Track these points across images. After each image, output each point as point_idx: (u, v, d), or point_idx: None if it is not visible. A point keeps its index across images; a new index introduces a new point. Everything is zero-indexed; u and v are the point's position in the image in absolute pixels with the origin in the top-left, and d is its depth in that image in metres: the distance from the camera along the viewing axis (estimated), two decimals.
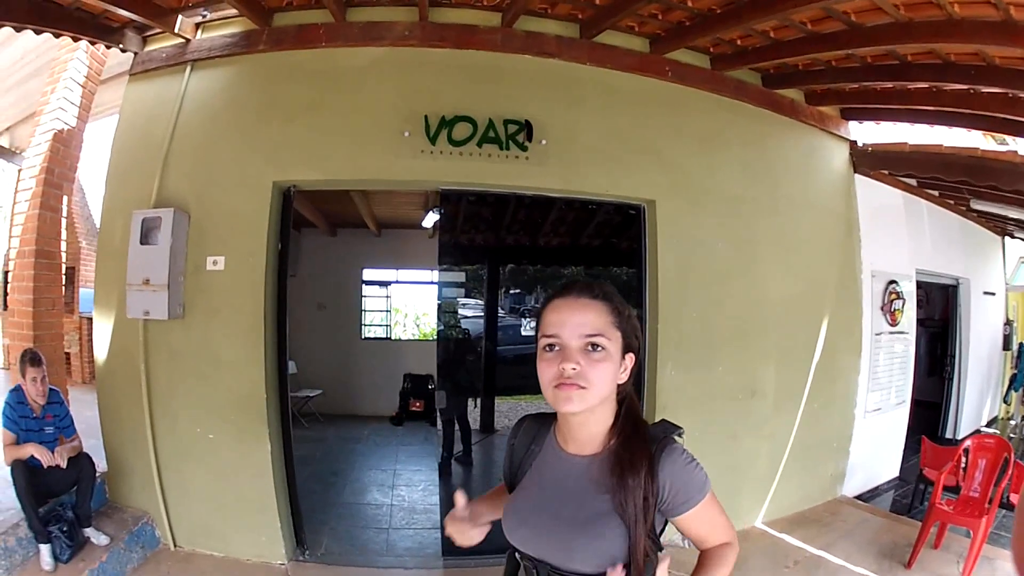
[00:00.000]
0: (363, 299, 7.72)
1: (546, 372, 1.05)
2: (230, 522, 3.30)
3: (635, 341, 1.12)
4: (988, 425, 7.47)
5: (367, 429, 6.60)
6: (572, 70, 3.36)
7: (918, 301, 5.42)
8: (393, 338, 8.10)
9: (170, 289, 3.24)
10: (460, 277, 4.96)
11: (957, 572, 3.41)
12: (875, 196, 4.72)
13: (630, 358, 1.10)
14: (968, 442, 3.98)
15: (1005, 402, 7.82)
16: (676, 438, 1.10)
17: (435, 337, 7.92)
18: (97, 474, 3.29)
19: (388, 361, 7.36)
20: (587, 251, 4.29)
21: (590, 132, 3.35)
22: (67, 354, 6.18)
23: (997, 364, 7.70)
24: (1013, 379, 7.62)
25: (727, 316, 3.61)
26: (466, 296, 5.12)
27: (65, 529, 2.98)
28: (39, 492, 2.97)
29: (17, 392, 3.10)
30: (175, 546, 3.41)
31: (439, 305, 4.45)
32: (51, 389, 3.22)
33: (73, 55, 4.34)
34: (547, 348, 1.06)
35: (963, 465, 3.88)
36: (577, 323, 1.05)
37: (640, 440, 1.08)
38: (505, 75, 3.28)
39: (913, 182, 5.26)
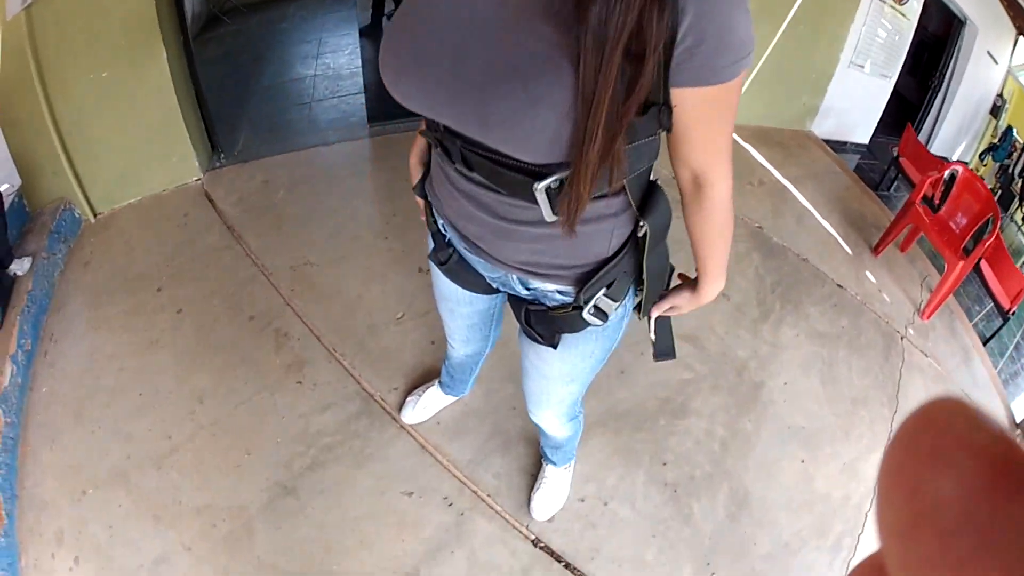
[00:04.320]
0: None
1: None
2: (140, 160, 2.94)
3: None
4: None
5: (292, 6, 5.65)
6: None
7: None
8: None
9: None
10: None
11: (919, 295, 3.17)
12: None
13: None
14: (958, 168, 3.66)
15: (980, 160, 7.68)
16: None
17: None
18: (9, 196, 2.78)
19: None
20: None
21: None
22: None
23: (981, 120, 7.45)
24: (991, 148, 7.40)
25: None
26: None
27: None
28: None
29: None
30: (95, 216, 3.04)
31: None
32: None
33: None
34: None
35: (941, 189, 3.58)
36: None
37: None
38: None
39: None
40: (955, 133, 6.65)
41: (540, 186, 0.68)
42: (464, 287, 1.06)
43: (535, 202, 0.70)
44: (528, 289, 0.93)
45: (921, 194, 3.47)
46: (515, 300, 1.01)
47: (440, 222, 0.93)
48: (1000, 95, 7.86)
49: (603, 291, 0.87)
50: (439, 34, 0.66)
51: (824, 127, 4.34)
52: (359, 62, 3.85)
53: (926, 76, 6.35)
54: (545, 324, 0.95)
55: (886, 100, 5.00)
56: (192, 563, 1.68)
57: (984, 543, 0.14)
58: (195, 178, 2.94)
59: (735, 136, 3.54)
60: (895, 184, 4.32)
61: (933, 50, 6.61)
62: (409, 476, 1.84)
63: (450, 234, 0.93)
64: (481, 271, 0.96)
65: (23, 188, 3.14)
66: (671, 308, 0.97)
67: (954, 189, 3.60)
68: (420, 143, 0.96)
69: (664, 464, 1.96)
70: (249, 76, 3.92)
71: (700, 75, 0.63)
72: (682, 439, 2.03)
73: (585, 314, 0.90)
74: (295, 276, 2.37)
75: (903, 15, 4.70)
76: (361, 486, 1.82)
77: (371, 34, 4.00)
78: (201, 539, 1.72)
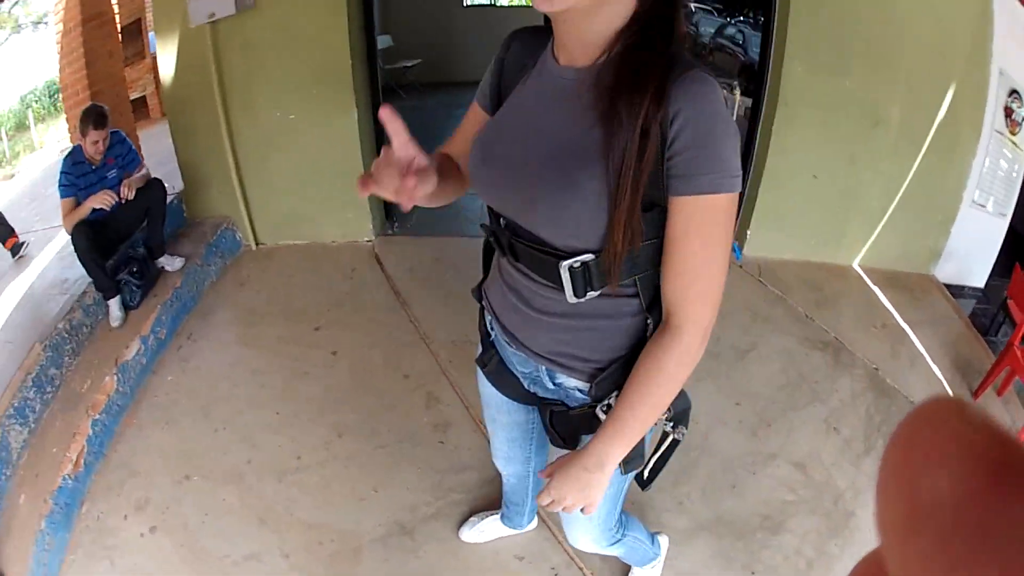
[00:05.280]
0: None
1: None
2: (314, 206, 3.18)
3: None
4: None
5: (469, 94, 6.38)
6: None
7: None
8: (496, 4, 7.48)
9: None
10: None
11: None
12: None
13: None
14: None
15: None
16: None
17: None
18: (169, 197, 3.09)
19: (491, 27, 6.81)
20: None
21: None
22: (142, 97, 6.05)
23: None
24: None
25: (860, 29, 3.23)
26: None
27: (136, 270, 2.75)
28: (110, 244, 2.76)
29: (74, 153, 2.81)
30: (257, 245, 3.30)
31: None
32: (111, 132, 2.89)
33: None
34: None
35: None
36: None
37: (656, 52, 0.74)
38: None
39: None
40: None
41: (565, 264, 0.81)
42: (503, 391, 1.13)
43: (561, 286, 0.83)
44: (554, 384, 1.00)
45: (1020, 335, 3.46)
46: (543, 407, 1.07)
47: (488, 319, 1.05)
48: None
49: (615, 393, 0.91)
50: (507, 141, 0.86)
51: (945, 271, 4.36)
52: None
53: None
54: (565, 424, 1.03)
55: (1001, 240, 4.93)
56: (285, 569, 1.71)
57: (982, 543, 0.14)
58: (366, 239, 3.15)
59: (864, 275, 3.66)
60: (1002, 328, 4.19)
61: None
62: (525, 542, 1.89)
63: (495, 329, 1.04)
64: (517, 367, 1.04)
65: (183, 193, 3.47)
66: (552, 484, 0.94)
67: None
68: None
69: (752, 573, 2.08)
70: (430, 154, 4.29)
71: (682, 182, 0.73)
72: (773, 553, 2.16)
73: (598, 411, 0.95)
74: (454, 349, 2.50)
75: (1017, 145, 4.70)
76: (477, 542, 1.90)
77: None
78: (303, 550, 1.76)
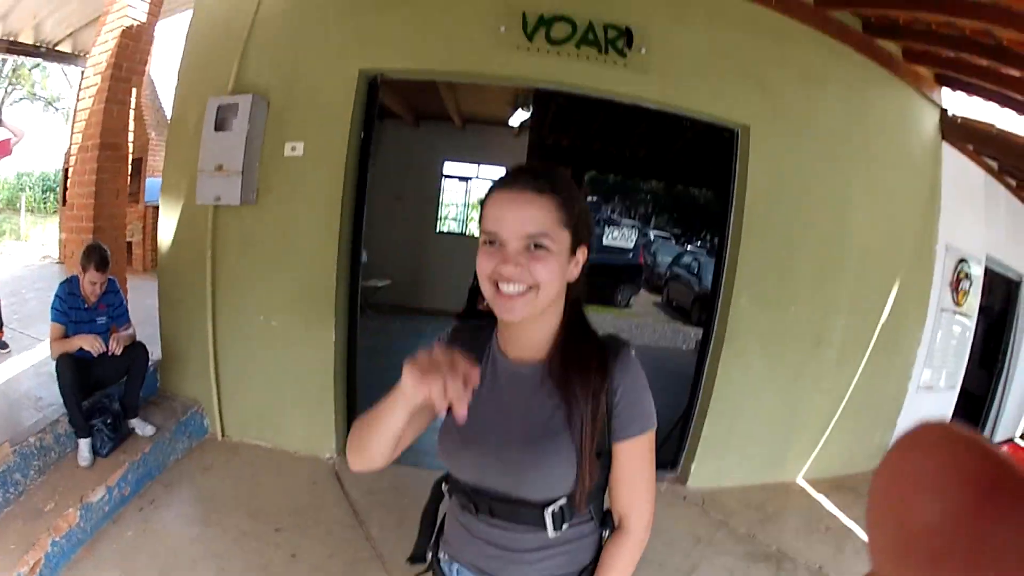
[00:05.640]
0: (441, 193, 7.55)
1: (484, 264, 0.94)
2: (283, 413, 3.30)
3: (586, 233, 0.99)
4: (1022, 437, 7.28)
5: (431, 325, 6.39)
6: None
7: (981, 288, 5.22)
8: (468, 234, 7.83)
9: (244, 175, 3.19)
10: None
11: None
12: (958, 170, 4.53)
13: (582, 252, 0.98)
14: (1004, 448, 3.83)
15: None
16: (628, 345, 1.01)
17: None
18: (150, 363, 3.22)
19: (461, 257, 7.12)
20: (670, 166, 4.21)
21: (691, 48, 3.21)
22: (128, 243, 6.23)
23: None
24: None
25: (807, 256, 3.49)
26: None
27: (109, 421, 2.90)
28: (87, 384, 2.90)
29: (71, 283, 2.98)
30: (223, 435, 3.40)
31: None
32: (108, 278, 3.09)
33: None
34: (487, 242, 0.95)
35: None
36: (518, 220, 0.92)
37: (589, 343, 1.00)
38: None
39: (995, 165, 5.06)
40: (1020, 405, 6.59)
41: (548, 510, 0.98)
42: None
43: (543, 527, 0.98)
44: None
45: None
46: None
47: (455, 567, 1.15)
48: None
49: None
50: (482, 428, 1.00)
51: None
52: None
53: (992, 363, 6.48)
54: None
55: (952, 411, 5.15)
56: None
57: (972, 566, 0.14)
58: (327, 455, 3.26)
59: (807, 487, 3.81)
60: None
61: (998, 330, 6.80)
62: None
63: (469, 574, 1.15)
64: None
65: (160, 364, 3.58)
66: None
67: None
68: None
69: None
70: (389, 383, 4.47)
71: (626, 431, 0.97)
72: None
73: None
74: (408, 572, 2.70)
75: (965, 315, 4.96)
76: None
77: None
78: None
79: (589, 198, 4.71)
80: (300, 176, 3.19)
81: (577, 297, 1.03)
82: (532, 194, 0.94)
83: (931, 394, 4.72)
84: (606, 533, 1.07)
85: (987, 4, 2.93)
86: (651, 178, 4.79)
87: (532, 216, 0.92)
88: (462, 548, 1.13)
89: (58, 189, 8.99)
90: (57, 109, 14.63)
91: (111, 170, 4.64)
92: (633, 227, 5.00)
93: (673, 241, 5.24)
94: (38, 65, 12.62)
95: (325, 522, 2.85)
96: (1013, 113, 4.29)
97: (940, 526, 0.15)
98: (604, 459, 1.00)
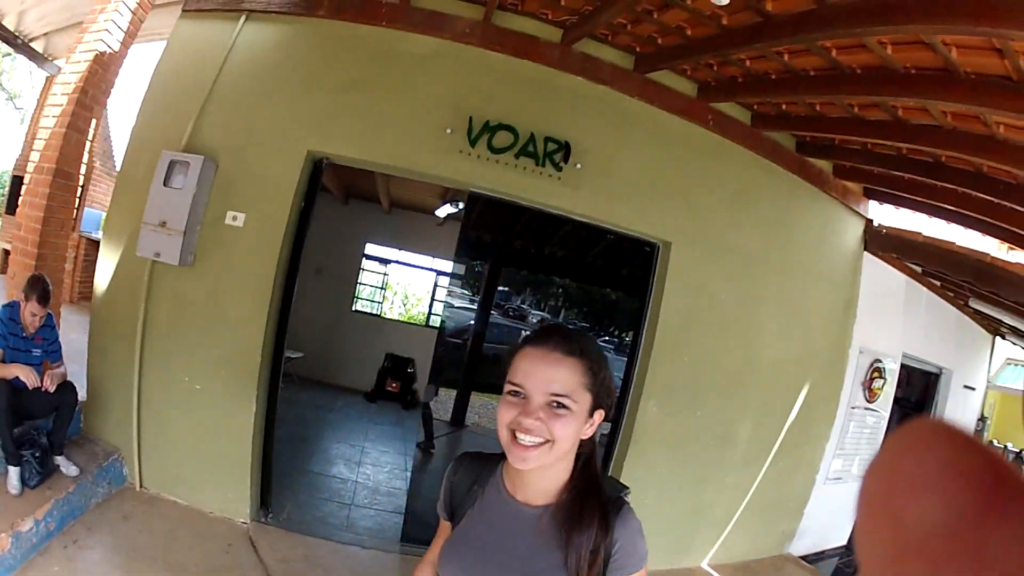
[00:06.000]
0: (361, 272, 7.73)
1: (505, 413, 1.01)
2: (200, 473, 3.35)
3: (607, 400, 1.07)
4: None
5: (341, 400, 6.65)
6: (620, 101, 3.41)
7: (898, 380, 5.55)
8: (382, 315, 8.12)
9: (185, 236, 3.24)
10: (470, 274, 4.99)
11: None
12: (878, 275, 4.83)
13: (599, 415, 1.06)
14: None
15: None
16: (627, 500, 1.12)
17: (425, 323, 7.99)
18: (78, 403, 3.24)
19: (373, 337, 7.39)
20: (589, 270, 4.36)
21: (625, 165, 3.41)
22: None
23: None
24: None
25: (718, 366, 3.70)
26: (465, 292, 5.16)
27: (37, 455, 2.95)
28: (17, 413, 2.93)
29: (12, 308, 3.04)
30: (141, 486, 3.42)
31: (446, 300, 4.45)
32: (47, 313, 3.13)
33: None
34: (511, 393, 1.02)
35: None
36: (545, 378, 1.00)
37: (595, 498, 1.07)
38: (555, 93, 3.33)
39: (919, 269, 5.38)
40: None
41: None
42: None
43: None
44: None
45: None
46: None
47: None
48: (981, 418, 8.46)
49: None
50: (483, 561, 1.08)
51: (800, 545, 4.72)
52: (398, 483, 4.46)
53: None
54: None
55: None
56: None
57: (976, 567, 0.13)
58: (241, 520, 3.31)
59: (712, 571, 3.96)
60: None
61: (914, 415, 7.12)
62: None
63: None
64: None
65: (84, 405, 3.53)
66: None
67: None
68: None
69: None
70: (297, 453, 4.50)
71: (618, 572, 1.04)
72: None
73: None
74: None
75: (875, 410, 5.24)
76: None
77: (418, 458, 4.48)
78: None
79: (499, 290, 4.88)
80: (238, 245, 3.26)
81: (589, 454, 1.10)
82: (562, 355, 1.01)
83: (841, 484, 4.99)
84: None
85: (930, 127, 3.09)
86: (568, 277, 4.90)
87: (559, 376, 1.00)
88: None
89: (4, 191, 8.70)
90: (16, 107, 14.12)
91: (61, 199, 4.59)
92: (542, 320, 5.09)
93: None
94: (9, 54, 12.26)
95: None
96: (942, 221, 4.63)
97: (940, 529, 0.14)
98: None
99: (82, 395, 3.58)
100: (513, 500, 1.10)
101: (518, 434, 0.99)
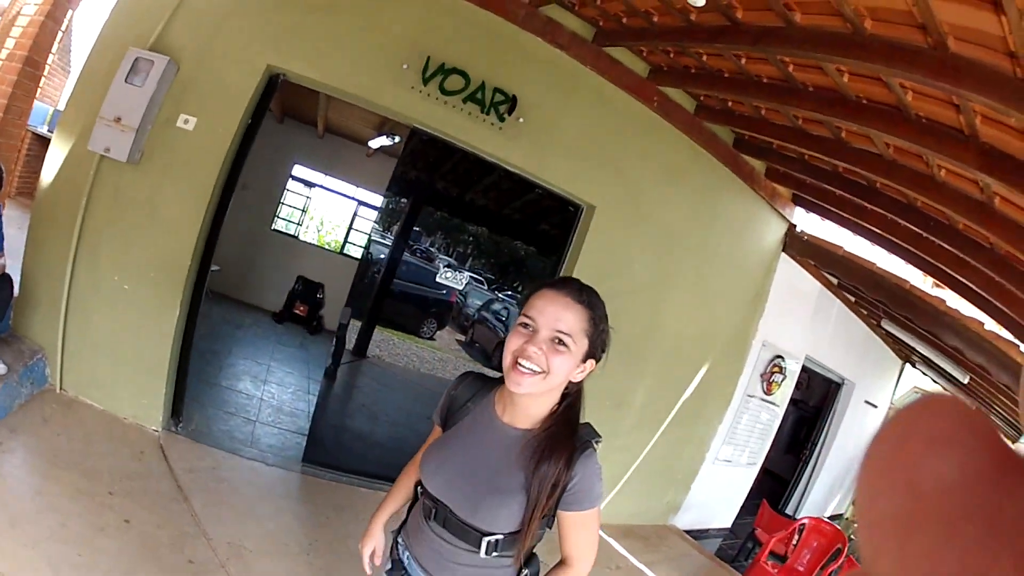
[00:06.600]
0: (285, 192, 7.69)
1: (512, 342, 1.17)
2: (119, 378, 3.40)
3: (599, 352, 1.25)
4: (831, 519, 8.26)
5: (249, 318, 6.67)
6: (572, 67, 3.59)
7: (798, 383, 5.96)
8: (300, 238, 8.02)
9: (137, 133, 3.25)
10: (392, 208, 5.04)
11: None
12: (793, 278, 5.18)
13: (591, 363, 1.23)
14: (806, 520, 4.46)
15: (854, 504, 8.59)
16: (595, 445, 1.26)
17: (340, 251, 8.03)
18: (12, 299, 3.23)
19: (287, 259, 7.40)
20: (507, 222, 4.49)
21: (566, 127, 3.62)
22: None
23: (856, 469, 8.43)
24: None
25: (621, 330, 3.91)
26: (384, 225, 5.26)
27: None
28: None
29: None
30: (60, 388, 3.42)
31: (370, 231, 4.37)
32: None
33: None
34: (522, 325, 1.18)
35: (795, 541, 4.31)
36: (555, 316, 1.16)
37: (568, 436, 1.21)
38: (512, 48, 3.48)
39: (835, 281, 5.70)
40: (827, 492, 7.55)
41: (485, 539, 1.20)
42: None
43: (477, 548, 1.20)
44: None
45: (767, 551, 4.13)
46: None
47: (406, 554, 1.38)
48: None
49: None
50: (459, 463, 1.24)
51: (684, 519, 5.03)
52: (301, 404, 4.59)
53: (800, 450, 7.31)
54: None
55: (750, 486, 5.75)
56: None
57: (994, 527, 0.13)
58: (153, 428, 3.38)
59: (602, 532, 4.32)
60: (752, 553, 4.82)
61: (811, 422, 7.63)
62: None
63: (410, 561, 1.36)
64: None
65: (15, 301, 3.48)
66: None
67: (802, 537, 4.27)
68: (387, 512, 1.53)
69: None
70: (205, 365, 4.53)
71: (574, 506, 1.19)
72: None
73: None
74: (231, 550, 2.79)
75: (773, 404, 5.65)
76: None
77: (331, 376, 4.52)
78: None
79: (413, 229, 4.98)
80: (185, 149, 3.31)
81: (575, 396, 1.27)
82: (572, 301, 1.18)
83: (729, 467, 5.40)
84: (525, 572, 1.29)
85: (871, 155, 3.18)
86: (485, 226, 4.99)
87: (566, 317, 1.17)
88: (414, 540, 1.39)
89: None
90: None
91: (24, 88, 4.55)
92: (448, 265, 5.15)
93: (486, 286, 5.44)
94: None
95: (152, 492, 2.99)
96: (867, 242, 4.78)
97: (956, 487, 0.14)
98: (546, 520, 1.23)
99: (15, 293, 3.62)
100: (499, 420, 1.27)
101: (520, 360, 1.15)
